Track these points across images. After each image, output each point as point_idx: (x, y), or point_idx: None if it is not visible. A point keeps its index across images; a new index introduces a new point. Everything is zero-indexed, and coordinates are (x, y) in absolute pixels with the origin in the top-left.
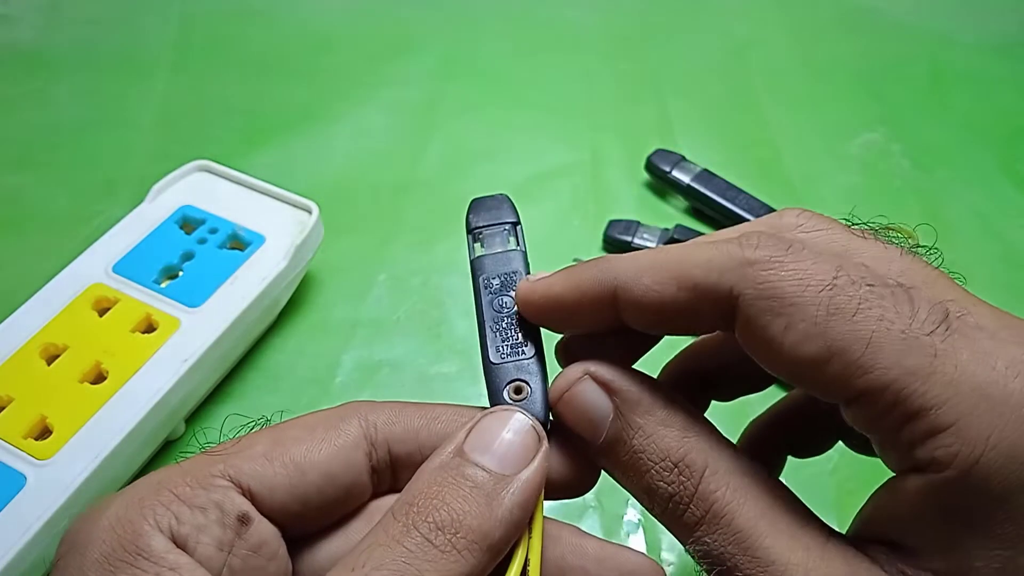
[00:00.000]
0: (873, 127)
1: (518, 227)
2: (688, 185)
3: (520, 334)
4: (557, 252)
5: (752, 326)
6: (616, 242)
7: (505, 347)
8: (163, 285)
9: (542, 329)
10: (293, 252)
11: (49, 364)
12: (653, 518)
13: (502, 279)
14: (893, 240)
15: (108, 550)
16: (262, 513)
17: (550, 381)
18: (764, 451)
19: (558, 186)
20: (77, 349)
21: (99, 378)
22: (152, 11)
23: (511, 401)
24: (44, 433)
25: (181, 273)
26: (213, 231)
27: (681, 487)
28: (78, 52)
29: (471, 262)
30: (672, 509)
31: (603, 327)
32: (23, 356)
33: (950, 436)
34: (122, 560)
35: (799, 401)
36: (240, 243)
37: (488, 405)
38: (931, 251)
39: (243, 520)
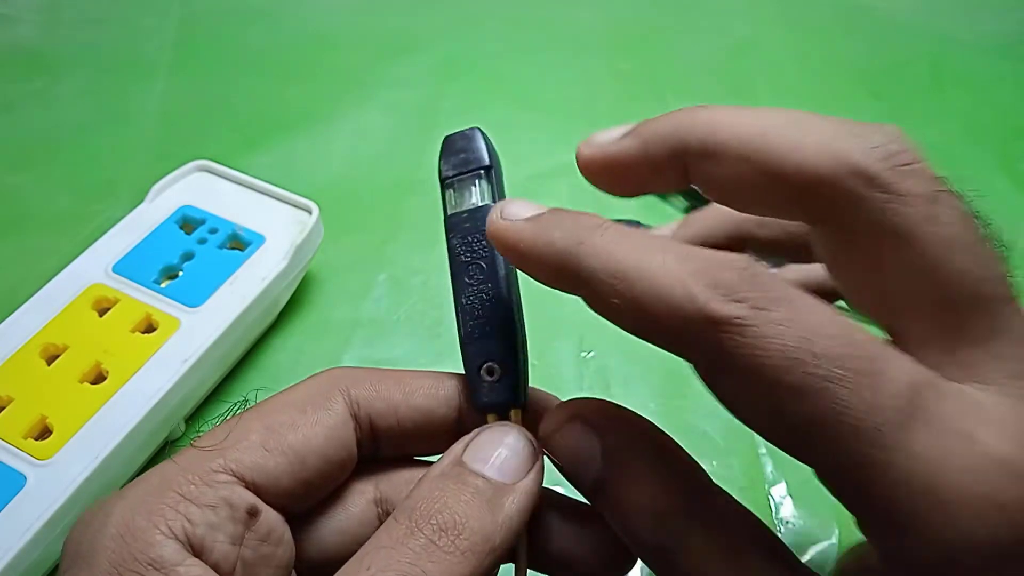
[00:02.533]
0: None
1: (492, 172)
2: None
3: (494, 308)
4: None
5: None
6: None
7: (479, 322)
8: (163, 285)
9: (523, 304)
10: (293, 252)
11: (49, 364)
12: None
13: (471, 243)
14: None
15: (117, 559)
16: (266, 502)
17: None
18: None
19: (558, 186)
20: (77, 349)
21: (99, 378)
22: (152, 11)
23: (485, 381)
24: (44, 433)
25: (181, 273)
26: (213, 231)
27: (662, 542)
28: (78, 52)
29: (444, 220)
30: (658, 562)
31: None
32: (23, 356)
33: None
34: (132, 571)
35: None
36: (240, 243)
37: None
38: None
39: (252, 513)
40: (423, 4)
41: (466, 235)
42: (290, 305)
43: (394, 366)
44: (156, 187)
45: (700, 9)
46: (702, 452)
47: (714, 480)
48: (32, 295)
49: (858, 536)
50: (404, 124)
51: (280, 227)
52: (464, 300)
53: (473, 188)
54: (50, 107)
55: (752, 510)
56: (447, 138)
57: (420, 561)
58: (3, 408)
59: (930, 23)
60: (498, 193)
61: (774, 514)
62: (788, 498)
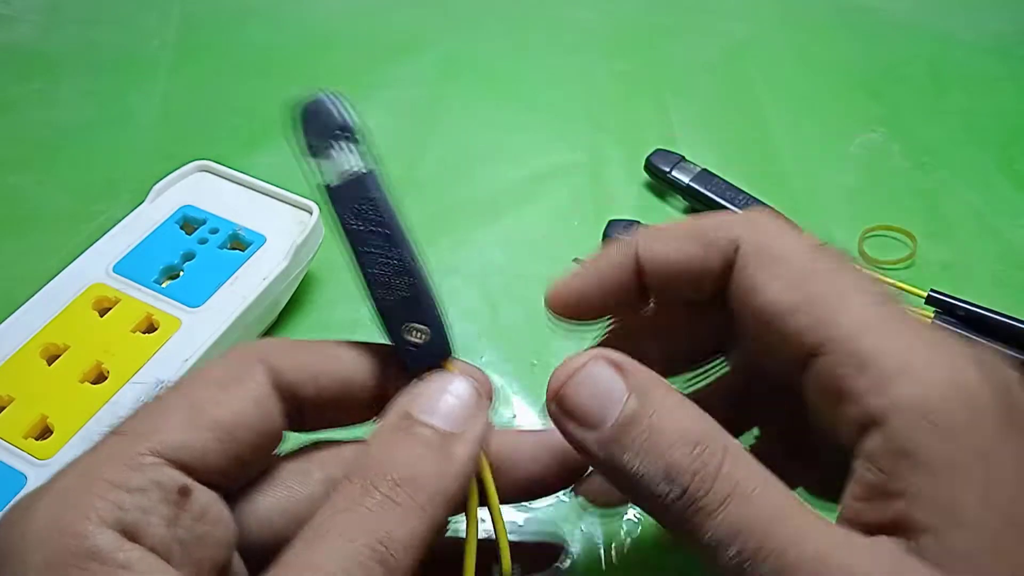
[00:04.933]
0: (873, 127)
1: (355, 136)
2: (688, 185)
3: (404, 271)
4: (557, 252)
5: (743, 274)
6: None
7: (392, 289)
8: (164, 285)
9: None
10: (294, 252)
11: (50, 364)
12: (652, 523)
13: (363, 212)
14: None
15: (52, 556)
16: (198, 480)
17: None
18: None
19: (558, 186)
20: (78, 349)
21: (100, 378)
22: (153, 11)
23: (413, 344)
24: (44, 433)
25: (182, 273)
26: (214, 231)
27: (704, 465)
28: (79, 52)
29: (322, 189)
30: (693, 491)
31: (627, 302)
32: (24, 356)
33: (898, 384)
34: (70, 565)
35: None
36: (241, 243)
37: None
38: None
39: (184, 493)
40: (423, 4)
41: (355, 204)
42: (290, 305)
43: None
44: (157, 187)
45: (700, 9)
46: None
47: None
48: (33, 295)
49: None
50: (404, 124)
51: (281, 227)
52: (370, 271)
53: (345, 155)
54: (50, 107)
55: None
56: (303, 107)
57: (381, 520)
58: (4, 408)
59: (929, 23)
60: (369, 155)
61: None
62: None
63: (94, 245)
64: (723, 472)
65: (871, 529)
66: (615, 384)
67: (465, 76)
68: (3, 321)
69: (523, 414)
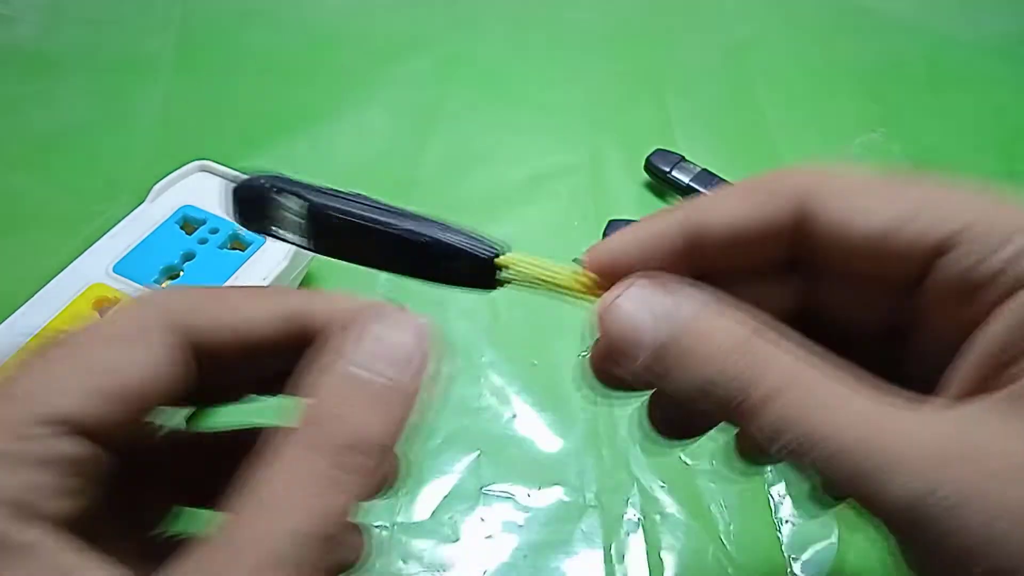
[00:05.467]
0: (873, 127)
1: (284, 215)
2: (688, 185)
3: (398, 237)
4: (557, 252)
5: (825, 216)
6: None
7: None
8: (164, 285)
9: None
10: (293, 253)
11: None
12: (651, 523)
13: (333, 231)
14: None
15: None
16: (98, 443)
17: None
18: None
19: (558, 186)
20: None
21: None
22: (153, 11)
23: (477, 235)
24: None
25: (182, 273)
26: (214, 231)
27: (746, 370)
28: (79, 52)
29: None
30: (737, 392)
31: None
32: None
33: None
34: None
35: None
36: (241, 243)
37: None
38: None
39: (83, 460)
40: (423, 4)
41: (325, 233)
42: None
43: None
44: (157, 187)
45: (700, 9)
46: (702, 452)
47: (714, 478)
48: (33, 295)
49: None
50: (404, 124)
51: None
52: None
53: (286, 228)
54: (51, 107)
55: (752, 510)
56: (233, 190)
57: (333, 489)
58: None
59: (929, 24)
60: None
61: (774, 513)
62: (788, 497)
63: (94, 245)
64: (767, 370)
65: (993, 389)
66: (645, 315)
67: (465, 76)
68: (3, 321)
69: (523, 414)
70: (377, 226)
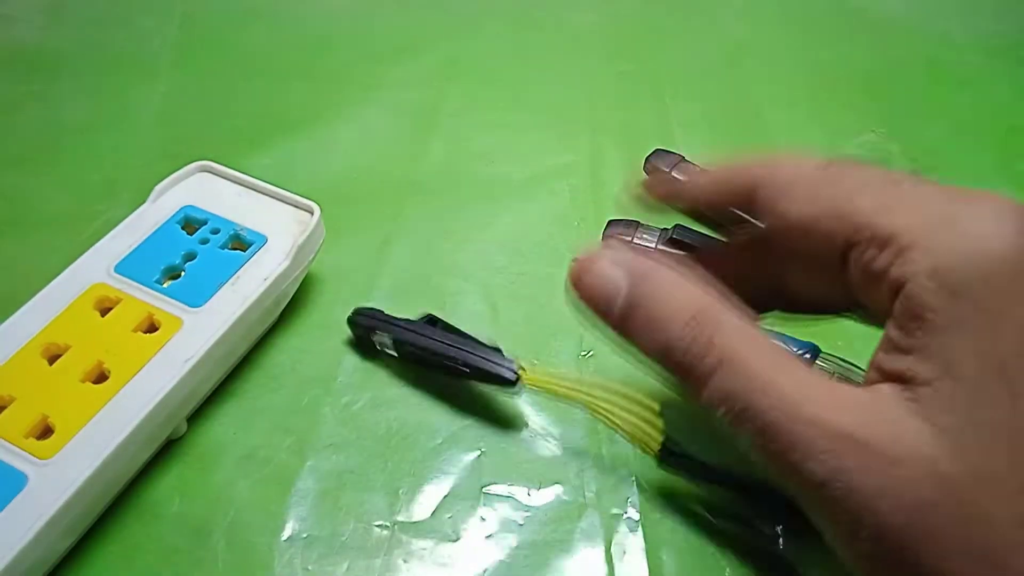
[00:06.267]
0: (872, 127)
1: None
2: None
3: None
4: (557, 252)
5: (767, 210)
6: None
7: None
8: (165, 285)
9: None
10: (295, 252)
11: (51, 364)
12: (651, 523)
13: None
14: None
15: None
16: None
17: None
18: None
19: (557, 186)
20: (79, 349)
21: (101, 378)
22: (153, 11)
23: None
24: (46, 432)
25: (183, 273)
26: (215, 231)
27: (696, 338)
28: (79, 52)
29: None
30: (689, 360)
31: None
32: (25, 356)
33: (914, 251)
34: None
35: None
36: (242, 243)
37: None
38: None
39: None
40: (423, 4)
41: (409, 340)
42: (292, 305)
43: (396, 365)
44: (158, 188)
45: (700, 9)
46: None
47: None
48: (34, 295)
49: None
50: (405, 124)
51: (282, 227)
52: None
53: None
54: (51, 107)
55: None
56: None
57: None
58: (4, 408)
59: (928, 24)
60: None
61: None
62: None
63: (95, 245)
64: (714, 343)
65: (886, 379)
66: (616, 275)
67: (465, 76)
68: (4, 321)
69: (523, 414)
70: (435, 357)
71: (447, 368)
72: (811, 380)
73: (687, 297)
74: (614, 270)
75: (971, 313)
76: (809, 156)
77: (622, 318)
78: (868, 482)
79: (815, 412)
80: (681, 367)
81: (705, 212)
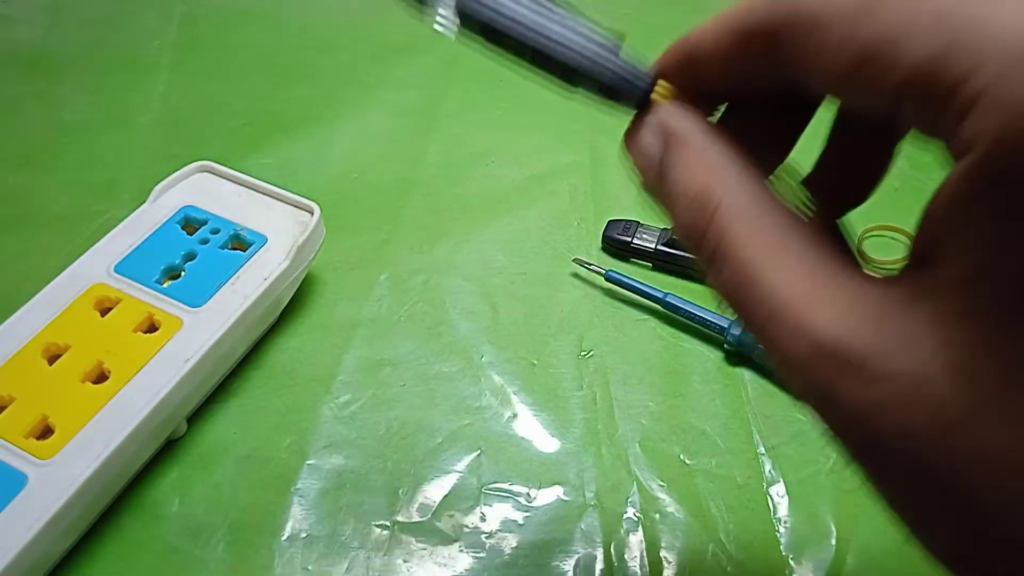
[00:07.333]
0: None
1: None
2: None
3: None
4: (556, 252)
5: (793, 47)
6: (615, 242)
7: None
8: (165, 285)
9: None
10: (295, 252)
11: (51, 364)
12: (651, 523)
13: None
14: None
15: None
16: None
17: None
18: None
19: (557, 186)
20: (79, 349)
21: (101, 378)
22: (153, 11)
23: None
24: (46, 433)
25: (183, 273)
26: (215, 231)
27: (696, 220)
28: (79, 52)
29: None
30: (692, 245)
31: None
32: (25, 356)
33: (980, 108)
34: None
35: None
36: (242, 243)
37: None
38: None
39: None
40: None
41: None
42: (292, 305)
43: (396, 366)
44: (158, 188)
45: (700, 9)
46: (701, 452)
47: (713, 477)
48: (34, 295)
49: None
50: (404, 124)
51: (282, 227)
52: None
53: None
54: (51, 107)
55: (751, 509)
56: None
57: None
58: (5, 408)
59: None
60: None
61: (772, 513)
62: (786, 497)
63: (95, 245)
64: (711, 228)
65: (914, 262)
66: (654, 143)
67: (465, 76)
68: (4, 321)
69: (523, 414)
70: (522, 39)
71: (532, 62)
72: (807, 272)
73: (699, 171)
74: (653, 138)
75: None
76: None
77: (657, 186)
78: (851, 399)
79: (800, 318)
80: (688, 249)
81: (718, 84)
